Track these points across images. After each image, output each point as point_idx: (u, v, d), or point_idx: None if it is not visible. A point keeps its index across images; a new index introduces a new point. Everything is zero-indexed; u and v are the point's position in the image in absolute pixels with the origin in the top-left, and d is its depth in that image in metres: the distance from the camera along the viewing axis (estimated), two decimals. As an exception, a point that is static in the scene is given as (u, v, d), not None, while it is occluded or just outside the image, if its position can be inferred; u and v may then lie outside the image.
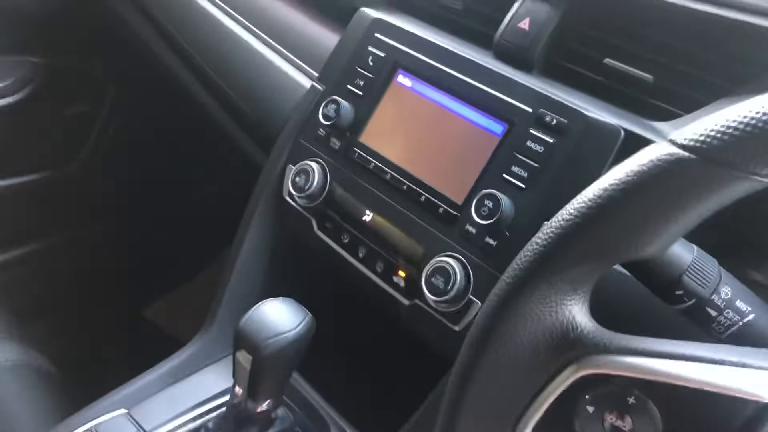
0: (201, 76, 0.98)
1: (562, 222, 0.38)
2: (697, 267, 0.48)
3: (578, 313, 0.39)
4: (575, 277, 0.39)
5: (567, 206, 0.39)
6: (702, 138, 0.33)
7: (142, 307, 1.56)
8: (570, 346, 0.39)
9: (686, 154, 0.34)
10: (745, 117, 0.32)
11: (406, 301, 0.72)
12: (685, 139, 0.34)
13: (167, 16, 1.03)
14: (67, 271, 1.42)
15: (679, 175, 0.34)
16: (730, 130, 0.32)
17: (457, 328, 0.67)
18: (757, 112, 0.32)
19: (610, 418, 0.38)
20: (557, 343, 0.39)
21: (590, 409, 0.38)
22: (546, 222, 0.40)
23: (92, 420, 0.74)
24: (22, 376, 0.92)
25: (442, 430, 0.43)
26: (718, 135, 0.33)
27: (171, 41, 1.03)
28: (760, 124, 0.31)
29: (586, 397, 0.38)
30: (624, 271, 0.48)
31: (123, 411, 0.76)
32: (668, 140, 0.35)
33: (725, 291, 0.48)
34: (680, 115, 0.65)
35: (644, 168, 0.35)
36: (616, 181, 0.36)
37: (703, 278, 0.48)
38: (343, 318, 0.86)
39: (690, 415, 0.36)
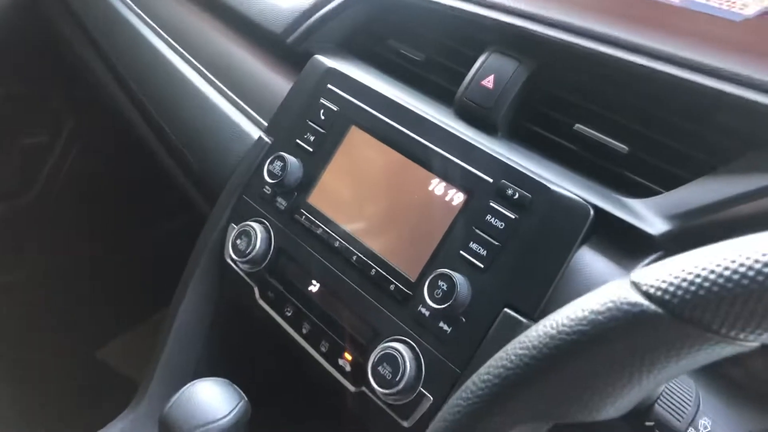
0: (146, 115, 0.90)
1: (488, 380, 0.31)
2: (672, 393, 0.41)
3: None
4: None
5: (499, 355, 0.32)
6: (671, 288, 0.26)
7: (94, 347, 1.47)
8: None
9: (652, 306, 0.27)
10: (727, 268, 0.25)
11: (352, 388, 0.64)
12: (651, 285, 0.27)
13: (110, 44, 0.95)
14: (15, 308, 1.34)
15: (641, 331, 0.27)
16: (708, 284, 0.25)
17: (406, 424, 0.60)
18: (743, 263, 0.25)
19: None
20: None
21: None
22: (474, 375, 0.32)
23: None
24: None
25: None
26: (692, 287, 0.26)
27: (115, 72, 0.95)
28: (745, 281, 0.24)
29: None
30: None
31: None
32: (630, 282, 0.28)
33: (704, 423, 0.41)
34: (658, 192, 0.58)
35: (599, 318, 0.28)
36: (565, 328, 0.29)
37: (679, 407, 0.41)
38: (286, 400, 0.78)
39: None
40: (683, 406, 0.41)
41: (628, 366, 0.27)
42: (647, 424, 0.41)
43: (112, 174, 1.36)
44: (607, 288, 0.29)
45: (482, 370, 0.33)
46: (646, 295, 0.27)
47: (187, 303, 0.76)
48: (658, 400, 0.41)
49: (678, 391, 0.41)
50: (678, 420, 0.40)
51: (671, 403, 0.41)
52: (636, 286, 0.28)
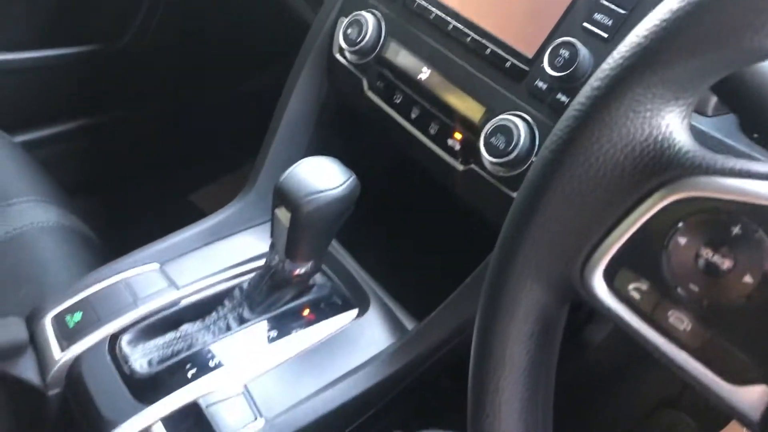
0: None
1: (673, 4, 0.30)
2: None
3: (677, 128, 0.32)
4: (680, 78, 0.31)
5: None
6: None
7: (187, 192, 1.54)
8: (664, 167, 0.32)
9: None
10: None
11: (460, 166, 0.65)
12: None
13: None
14: (114, 149, 1.40)
15: None
16: None
17: (514, 195, 0.61)
18: None
19: (706, 254, 0.31)
20: (648, 162, 0.32)
21: (682, 241, 0.31)
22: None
23: (123, 272, 0.72)
24: (61, 236, 0.90)
25: (497, 274, 0.37)
26: None
27: None
28: None
29: (679, 225, 0.31)
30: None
31: (156, 265, 0.73)
32: None
33: None
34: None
35: None
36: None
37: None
38: (389, 186, 0.80)
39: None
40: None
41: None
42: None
43: (202, 28, 1.37)
44: None
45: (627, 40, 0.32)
46: None
47: (296, 97, 0.77)
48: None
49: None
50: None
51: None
52: None
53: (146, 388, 0.63)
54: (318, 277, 0.74)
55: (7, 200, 0.92)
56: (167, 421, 0.60)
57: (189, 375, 0.64)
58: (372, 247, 0.76)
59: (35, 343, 0.67)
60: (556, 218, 0.34)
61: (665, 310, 0.32)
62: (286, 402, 0.63)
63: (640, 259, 0.33)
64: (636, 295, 0.33)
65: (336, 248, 0.76)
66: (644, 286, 0.32)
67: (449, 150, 0.66)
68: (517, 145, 0.59)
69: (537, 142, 0.59)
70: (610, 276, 0.33)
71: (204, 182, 1.56)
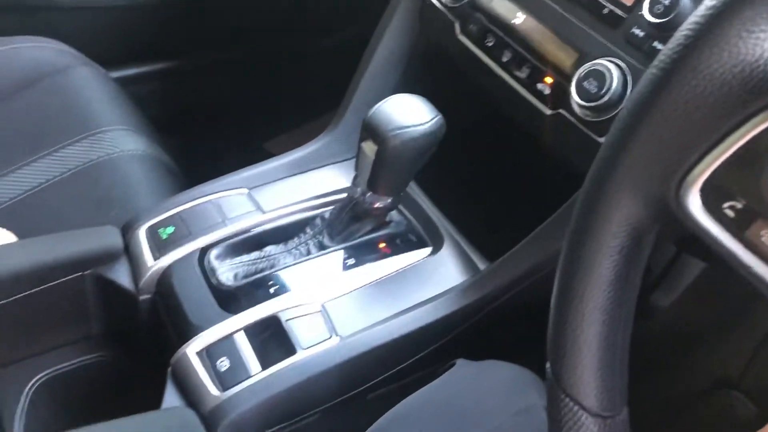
0: None
1: None
2: None
3: (790, 49, 0.32)
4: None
5: None
6: None
7: (262, 139, 1.58)
8: (773, 87, 0.32)
9: None
10: None
11: (547, 111, 0.66)
12: None
13: None
14: (198, 91, 1.45)
15: None
16: None
17: (601, 140, 0.61)
18: None
19: (808, 174, 0.31)
20: (757, 83, 0.32)
21: (786, 163, 0.32)
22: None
23: (213, 193, 0.76)
24: (149, 165, 0.95)
25: (593, 188, 0.38)
26: None
27: None
28: None
29: (784, 146, 0.32)
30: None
31: (244, 190, 0.77)
32: None
33: None
34: None
35: None
36: None
37: None
38: (470, 130, 0.81)
39: None
40: None
41: None
42: None
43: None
44: None
45: None
46: None
47: (387, 38, 0.79)
48: None
49: None
50: None
51: None
52: None
53: (231, 300, 0.67)
54: (395, 215, 0.76)
55: (101, 128, 0.97)
56: (249, 330, 0.64)
57: (271, 291, 0.68)
58: (448, 189, 0.78)
59: (129, 251, 0.72)
60: (658, 136, 0.35)
61: (759, 229, 0.33)
62: (360, 324, 0.66)
63: (738, 177, 0.33)
64: (730, 213, 0.33)
65: (413, 189, 0.78)
66: (739, 205, 0.33)
67: (538, 94, 0.66)
68: (609, 89, 0.59)
69: (629, 88, 0.59)
70: (705, 194, 0.34)
71: (279, 131, 1.60)
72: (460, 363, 0.62)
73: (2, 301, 0.67)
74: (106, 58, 1.16)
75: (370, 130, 0.65)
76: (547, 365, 0.39)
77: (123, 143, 0.96)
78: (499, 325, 0.70)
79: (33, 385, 0.72)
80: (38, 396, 0.72)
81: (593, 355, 0.37)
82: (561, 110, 0.64)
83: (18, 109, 0.99)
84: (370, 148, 0.66)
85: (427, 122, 0.65)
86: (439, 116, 0.65)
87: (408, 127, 0.64)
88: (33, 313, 0.70)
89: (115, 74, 1.20)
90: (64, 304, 0.72)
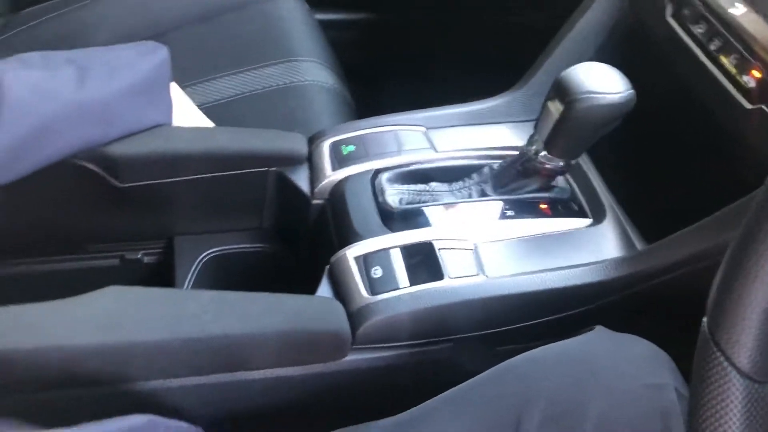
0: None
1: None
2: None
3: None
4: None
5: None
6: None
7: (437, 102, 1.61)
8: None
9: None
10: None
11: (748, 105, 0.64)
12: None
13: None
14: (386, 44, 1.50)
15: None
16: None
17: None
18: None
19: None
20: None
21: None
22: None
23: (393, 125, 0.81)
24: (334, 98, 1.02)
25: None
26: None
27: None
28: None
29: None
30: None
31: (422, 128, 0.81)
32: None
33: None
34: None
35: None
36: None
37: None
38: (657, 113, 0.80)
39: None
40: None
41: None
42: None
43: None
44: None
45: None
46: None
47: (591, 11, 0.81)
48: None
49: None
50: None
51: None
52: None
53: (392, 219, 0.72)
54: (560, 180, 0.78)
55: (297, 57, 1.05)
56: (404, 249, 0.68)
57: (429, 221, 0.72)
58: (619, 166, 0.78)
59: (311, 160, 0.79)
60: None
61: None
62: (508, 270, 0.68)
63: None
64: None
65: (584, 160, 0.79)
66: None
67: (740, 87, 0.65)
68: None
69: None
70: None
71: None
72: (599, 329, 0.63)
73: (193, 176, 0.76)
74: (313, 1, 1.24)
75: (560, 90, 0.67)
76: (704, 320, 0.40)
77: (314, 74, 1.04)
78: (644, 307, 0.69)
79: (204, 257, 0.81)
80: (206, 268, 0.81)
81: (756, 316, 0.38)
82: (763, 105, 0.63)
83: (227, 27, 1.10)
84: (555, 107, 0.68)
85: (619, 92, 0.65)
86: (631, 90, 0.66)
87: (598, 93, 0.65)
88: (216, 194, 0.79)
89: (319, 16, 1.28)
90: (245, 193, 0.80)
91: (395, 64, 1.46)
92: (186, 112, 0.80)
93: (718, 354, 0.38)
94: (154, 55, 0.70)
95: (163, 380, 0.60)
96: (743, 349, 0.38)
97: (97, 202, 0.75)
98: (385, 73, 1.47)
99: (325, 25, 1.25)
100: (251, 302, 0.62)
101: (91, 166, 0.71)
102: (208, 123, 0.83)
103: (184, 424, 0.56)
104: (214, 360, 0.61)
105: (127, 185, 0.73)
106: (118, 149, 0.71)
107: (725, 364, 0.38)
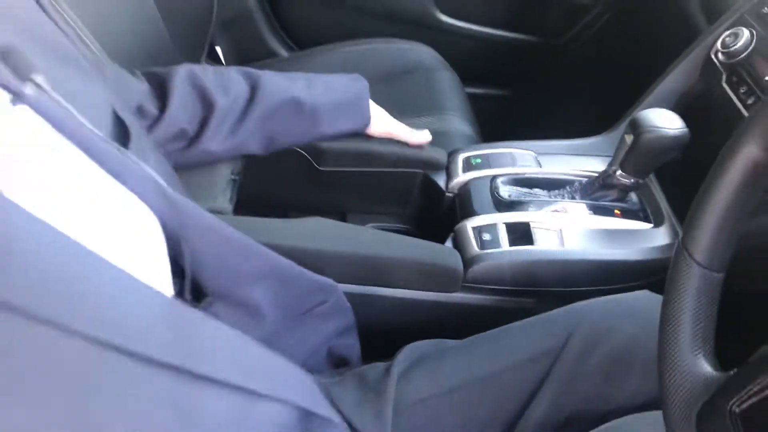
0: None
1: None
2: None
3: None
4: None
5: None
6: None
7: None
8: None
9: None
10: None
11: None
12: None
13: None
14: (514, 113, 1.82)
15: None
16: None
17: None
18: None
19: None
20: None
21: None
22: None
23: (510, 149, 1.11)
24: (467, 141, 1.34)
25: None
26: None
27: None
28: None
29: None
30: None
31: (532, 153, 1.11)
32: None
33: None
34: None
35: None
36: None
37: None
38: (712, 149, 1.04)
39: None
40: None
41: None
42: None
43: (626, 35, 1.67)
44: None
45: None
46: None
47: (669, 79, 1.08)
48: None
49: None
50: None
51: None
52: None
53: (502, 205, 1.01)
54: (633, 196, 1.03)
55: (446, 111, 1.38)
56: (507, 224, 0.97)
57: (527, 209, 1.00)
58: (680, 188, 1.02)
59: (448, 167, 1.11)
60: None
61: None
62: (582, 246, 0.95)
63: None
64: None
65: (653, 182, 1.05)
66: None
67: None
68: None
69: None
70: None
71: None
72: (647, 291, 0.86)
73: (368, 169, 1.09)
74: (461, 74, 1.57)
75: (633, 125, 0.94)
76: (680, 235, 0.56)
77: (457, 124, 1.36)
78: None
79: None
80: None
81: (712, 222, 0.57)
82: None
83: (400, 85, 1.45)
84: (629, 137, 0.95)
85: (675, 129, 0.92)
86: (686, 129, 0.92)
87: (660, 128, 0.92)
88: (377, 184, 1.11)
89: (468, 89, 1.60)
90: (397, 187, 1.12)
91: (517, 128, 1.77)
92: (385, 123, 1.07)
93: (684, 251, 0.54)
94: (358, 83, 1.04)
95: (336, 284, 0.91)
96: (702, 247, 0.60)
97: (302, 179, 1.11)
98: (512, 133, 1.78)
99: (470, 96, 1.58)
100: (400, 238, 0.93)
101: (303, 152, 1.07)
102: (404, 127, 1.09)
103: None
104: (368, 274, 0.91)
105: (324, 169, 1.08)
106: (324, 143, 1.05)
107: (688, 258, 0.54)
